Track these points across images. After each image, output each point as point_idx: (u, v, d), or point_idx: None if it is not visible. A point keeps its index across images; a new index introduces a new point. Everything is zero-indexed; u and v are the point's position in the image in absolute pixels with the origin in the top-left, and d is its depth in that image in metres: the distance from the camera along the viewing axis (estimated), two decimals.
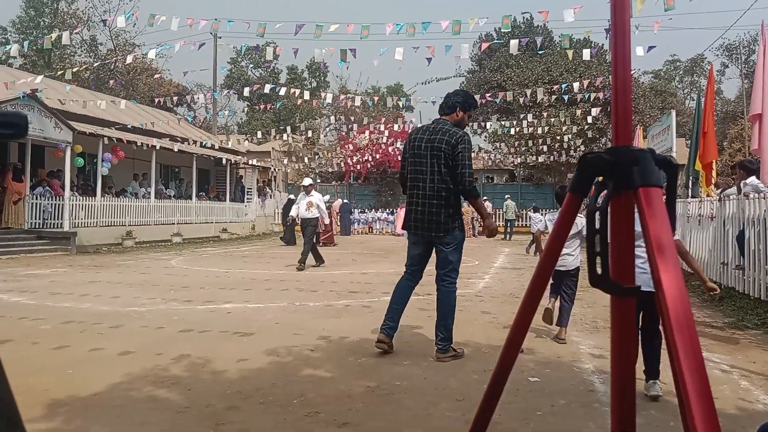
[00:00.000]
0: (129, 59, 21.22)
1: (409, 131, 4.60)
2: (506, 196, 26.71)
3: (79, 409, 3.40)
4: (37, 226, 15.79)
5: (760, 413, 3.45)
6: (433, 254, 4.85)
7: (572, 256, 5.29)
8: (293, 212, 12.70)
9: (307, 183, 12.77)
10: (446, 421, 3.29)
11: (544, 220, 6.80)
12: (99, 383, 3.85)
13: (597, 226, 1.01)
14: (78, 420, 3.21)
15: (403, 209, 23.09)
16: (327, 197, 22.02)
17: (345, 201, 27.78)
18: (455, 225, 4.66)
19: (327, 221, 13.14)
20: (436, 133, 4.63)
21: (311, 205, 12.13)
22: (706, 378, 0.85)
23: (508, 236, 24.20)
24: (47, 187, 16.77)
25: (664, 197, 1.02)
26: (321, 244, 18.36)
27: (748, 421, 3.24)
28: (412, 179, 4.73)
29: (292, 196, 22.32)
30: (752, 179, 7.90)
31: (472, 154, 4.77)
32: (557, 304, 5.41)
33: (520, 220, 28.66)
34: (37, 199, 15.98)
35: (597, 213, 1.01)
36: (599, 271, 1.01)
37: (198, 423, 3.19)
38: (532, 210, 20.35)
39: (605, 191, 1.04)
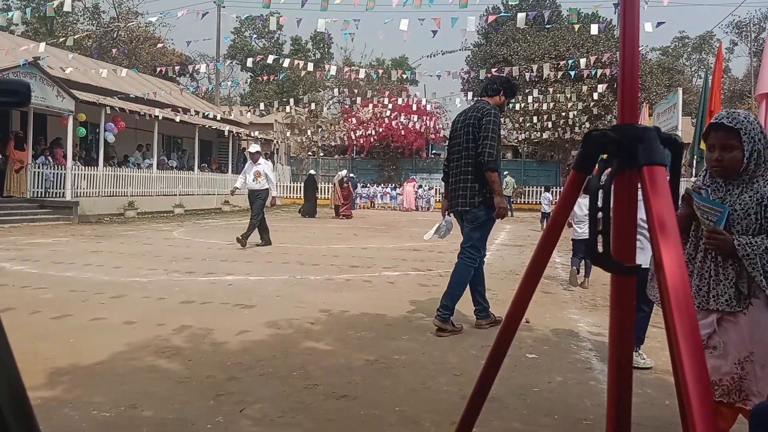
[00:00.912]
0: (131, 27, 20.99)
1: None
2: (505, 173, 26.57)
3: (81, 377, 3.44)
4: (39, 195, 15.80)
5: None
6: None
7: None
8: (238, 182, 11.18)
9: (254, 150, 11.40)
10: (444, 395, 3.32)
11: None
12: (101, 352, 3.89)
13: (600, 204, 1.00)
14: (80, 389, 3.24)
15: (409, 184, 22.95)
16: (344, 172, 22.42)
17: (352, 175, 27.65)
18: (480, 200, 4.66)
19: (274, 193, 11.35)
20: (470, 111, 4.78)
21: (259, 174, 10.77)
22: (703, 358, 0.85)
23: (509, 213, 24.18)
24: (49, 156, 16.75)
25: (669, 176, 1.00)
26: (341, 216, 19.98)
27: None
28: (454, 159, 4.83)
29: (312, 172, 22.80)
30: None
31: None
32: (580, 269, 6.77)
33: (523, 196, 28.58)
34: (39, 168, 15.97)
35: (600, 191, 0.99)
36: (600, 249, 1.00)
37: (198, 393, 3.22)
38: (543, 189, 20.62)
39: (609, 169, 1.02)
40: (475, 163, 4.64)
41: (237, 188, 11.42)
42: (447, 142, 5.01)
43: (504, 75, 5.34)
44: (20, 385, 0.82)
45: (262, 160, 11.10)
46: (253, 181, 10.80)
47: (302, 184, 22.59)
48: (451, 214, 5.09)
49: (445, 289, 4.75)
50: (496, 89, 4.88)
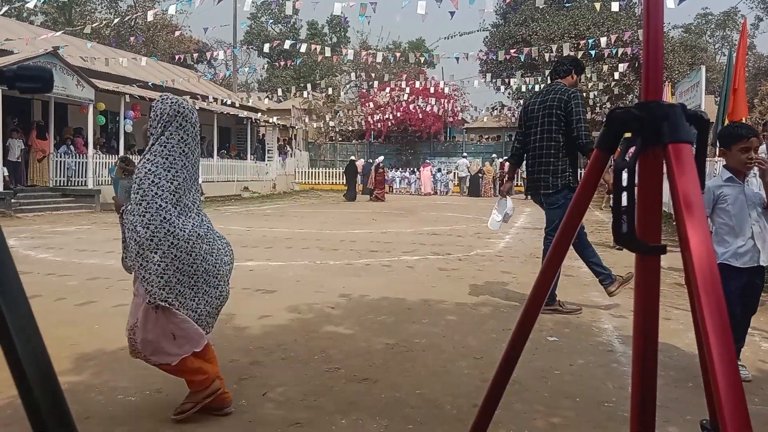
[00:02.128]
0: (149, 16, 21.04)
1: (525, 103, 5.12)
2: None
3: (107, 362, 3.50)
4: (61, 184, 16.03)
5: None
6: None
7: None
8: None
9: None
10: (464, 379, 3.32)
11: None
12: (125, 338, 3.94)
13: (624, 183, 0.98)
14: (105, 373, 3.30)
15: (426, 169, 23.10)
16: (380, 158, 23.32)
17: (370, 161, 27.69)
18: (564, 183, 4.70)
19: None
20: (549, 93, 4.80)
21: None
22: (731, 340, 0.83)
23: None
24: (71, 145, 16.95)
25: (694, 154, 0.98)
26: (375, 198, 21.93)
27: (767, 382, 3.23)
28: (527, 143, 4.89)
29: (353, 158, 23.68)
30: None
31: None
32: None
33: None
34: (61, 157, 16.18)
35: (625, 170, 0.97)
36: (625, 229, 0.98)
37: (222, 377, 3.26)
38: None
39: (634, 147, 1.00)
40: (558, 146, 4.69)
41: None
42: (520, 123, 5.05)
43: (569, 55, 5.37)
44: (50, 367, 0.83)
45: None
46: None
47: (343, 171, 24.20)
48: (508, 198, 5.29)
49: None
50: (568, 69, 4.93)
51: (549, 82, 5.05)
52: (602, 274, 4.84)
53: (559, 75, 4.95)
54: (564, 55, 19.55)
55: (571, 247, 4.06)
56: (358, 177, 23.88)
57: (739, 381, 0.80)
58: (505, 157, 25.69)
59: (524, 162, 5.03)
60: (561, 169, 4.71)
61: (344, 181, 25.31)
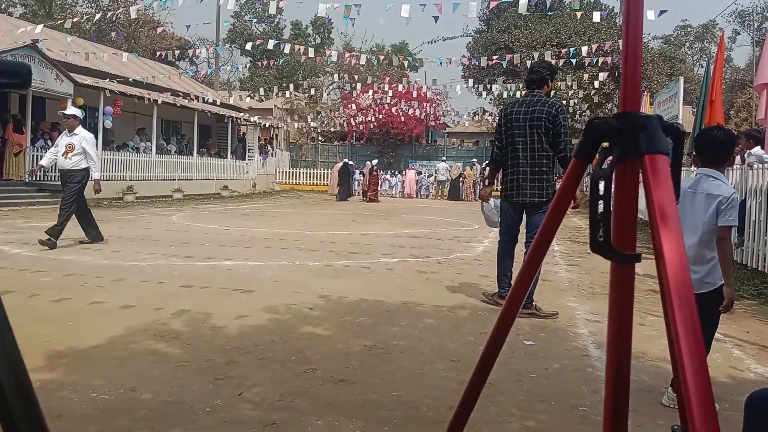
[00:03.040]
0: (133, 13, 20.77)
1: (504, 108, 5.23)
2: None
3: (80, 360, 3.45)
4: (37, 178, 15.75)
5: (750, 381, 3.50)
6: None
7: None
8: (44, 160, 8.69)
9: (69, 113, 8.34)
10: (441, 381, 3.34)
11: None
12: (99, 336, 3.90)
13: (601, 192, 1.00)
14: (79, 371, 3.26)
15: (410, 172, 23.38)
16: (375, 161, 24.05)
17: (349, 162, 27.73)
18: (553, 191, 4.86)
19: (97, 175, 8.43)
20: (534, 105, 4.93)
21: (72, 148, 7.95)
22: (703, 348, 0.85)
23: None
24: (48, 140, 16.68)
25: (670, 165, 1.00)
26: (369, 199, 22.78)
27: (739, 389, 3.29)
28: (513, 149, 4.98)
29: (347, 161, 25.55)
30: (757, 149, 7.85)
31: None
32: None
33: None
34: (38, 151, 15.91)
35: (601, 179, 0.99)
36: (601, 238, 1.00)
37: (197, 377, 3.24)
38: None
39: (611, 157, 1.02)
40: (550, 157, 4.91)
41: (43, 166, 8.88)
42: (499, 130, 5.15)
43: (544, 60, 5.47)
44: (22, 365, 0.83)
45: (80, 129, 8.11)
46: (64, 157, 8.01)
47: (337, 174, 25.07)
48: (491, 200, 5.46)
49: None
50: (544, 79, 5.06)
51: (527, 91, 5.14)
52: (506, 288, 5.06)
53: (538, 86, 5.05)
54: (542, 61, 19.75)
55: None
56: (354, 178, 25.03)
57: (709, 387, 0.82)
58: (486, 162, 25.83)
59: (509, 169, 5.09)
60: (551, 178, 4.96)
61: (326, 182, 26.73)
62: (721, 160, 3.10)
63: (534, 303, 4.89)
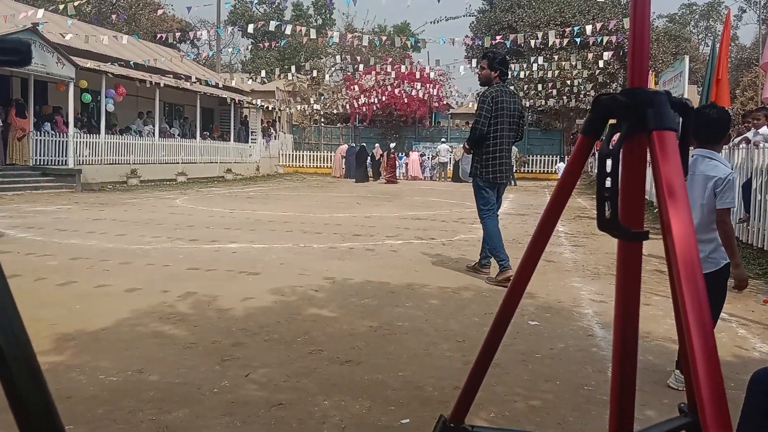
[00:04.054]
0: None
1: (492, 94, 5.39)
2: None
3: (87, 342, 3.48)
4: (41, 163, 15.77)
5: (755, 360, 3.51)
6: None
7: None
8: None
9: None
10: (446, 361, 3.35)
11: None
12: (106, 319, 3.93)
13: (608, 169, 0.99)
14: (86, 354, 3.28)
15: (414, 154, 23.49)
16: (393, 145, 24.75)
17: (353, 144, 27.68)
18: None
19: None
20: (513, 97, 5.55)
21: None
22: (710, 326, 0.85)
23: (512, 182, 24.15)
24: (54, 124, 16.67)
25: (678, 141, 0.99)
26: (387, 181, 23.71)
27: (743, 368, 3.30)
28: (500, 134, 5.41)
29: (363, 144, 26.19)
30: (764, 129, 7.78)
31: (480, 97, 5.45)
32: None
33: (526, 166, 28.43)
34: (41, 135, 15.91)
35: (608, 156, 0.98)
36: (608, 215, 0.99)
37: (204, 358, 3.26)
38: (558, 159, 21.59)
39: (618, 134, 1.01)
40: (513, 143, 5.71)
41: None
42: (488, 113, 5.40)
43: (502, 55, 5.73)
44: (28, 345, 0.83)
45: None
46: None
47: (353, 159, 25.93)
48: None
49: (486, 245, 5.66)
50: (506, 72, 5.63)
51: (500, 82, 5.51)
52: (487, 258, 5.65)
53: (507, 78, 5.66)
54: (547, 41, 19.56)
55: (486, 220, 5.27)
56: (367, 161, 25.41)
57: (718, 365, 0.82)
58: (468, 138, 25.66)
59: (487, 149, 5.43)
60: None
61: (330, 164, 27.27)
62: (716, 140, 3.07)
63: (489, 265, 5.59)
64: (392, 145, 25.80)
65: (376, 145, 26.22)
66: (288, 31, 18.48)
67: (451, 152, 27.10)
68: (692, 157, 3.06)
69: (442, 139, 28.97)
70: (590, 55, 22.72)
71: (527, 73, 23.54)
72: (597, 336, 3.91)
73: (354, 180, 24.17)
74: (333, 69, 40.45)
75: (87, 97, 17.36)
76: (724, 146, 3.62)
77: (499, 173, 5.43)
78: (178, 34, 26.42)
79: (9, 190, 13.56)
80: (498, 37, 20.63)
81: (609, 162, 0.98)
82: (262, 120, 28.22)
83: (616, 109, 1.02)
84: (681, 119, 1.05)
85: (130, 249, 6.67)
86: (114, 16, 26.64)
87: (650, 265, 6.08)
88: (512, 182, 24.02)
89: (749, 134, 8.14)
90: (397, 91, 29.63)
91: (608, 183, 0.98)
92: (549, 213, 1.15)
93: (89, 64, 17.16)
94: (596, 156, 1.06)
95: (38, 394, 0.82)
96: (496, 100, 5.34)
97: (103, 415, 2.54)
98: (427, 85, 29.69)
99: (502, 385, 2.99)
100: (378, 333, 3.82)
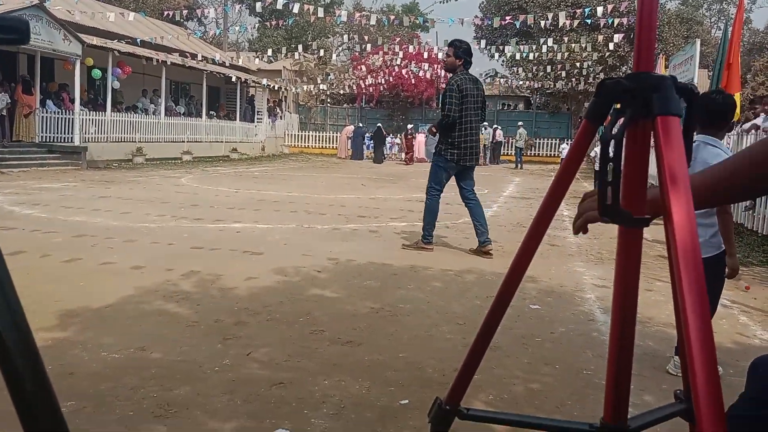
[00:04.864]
0: None
1: (458, 82, 5.78)
2: (519, 124, 26.14)
3: (92, 319, 3.50)
4: (47, 140, 15.78)
5: (755, 347, 3.51)
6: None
7: None
8: None
9: None
10: (447, 343, 3.36)
11: None
12: (110, 296, 3.95)
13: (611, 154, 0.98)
14: (90, 330, 3.31)
15: (420, 135, 23.70)
16: (411, 126, 25.86)
17: (359, 125, 27.60)
18: None
19: None
20: (476, 84, 5.96)
21: None
22: (708, 313, 0.84)
23: (519, 165, 24.06)
24: (61, 101, 16.65)
25: (683, 127, 0.97)
26: (406, 162, 24.00)
27: (743, 355, 3.30)
28: (466, 119, 5.80)
29: (380, 125, 26.62)
30: None
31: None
32: None
33: (533, 149, 28.30)
34: (47, 112, 15.90)
35: (612, 141, 0.97)
36: (609, 201, 0.98)
37: (206, 337, 3.28)
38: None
39: (623, 119, 1.00)
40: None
41: None
42: (457, 100, 5.77)
43: (466, 44, 6.11)
44: (24, 319, 0.83)
45: None
46: None
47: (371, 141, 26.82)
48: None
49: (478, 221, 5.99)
50: (469, 61, 5.99)
51: (464, 71, 5.90)
52: (483, 231, 5.92)
53: (469, 67, 5.97)
54: (557, 22, 19.34)
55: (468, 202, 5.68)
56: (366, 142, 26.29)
57: (713, 352, 0.81)
58: (439, 122, 25.64)
59: (456, 133, 5.79)
60: None
61: (336, 145, 27.68)
62: (719, 126, 3.03)
63: (489, 242, 5.85)
64: (409, 126, 26.27)
65: (378, 125, 26.64)
66: (296, 10, 18.35)
67: None
68: (694, 143, 3.03)
69: None
70: (600, 38, 22.49)
71: (536, 54, 23.31)
72: (598, 321, 3.91)
73: (373, 161, 24.94)
74: (340, 48, 40.19)
75: (97, 73, 17.30)
76: (731, 133, 3.59)
77: (467, 155, 5.85)
78: (185, 12, 26.28)
79: (15, 167, 13.60)
80: (508, 18, 20.42)
81: (612, 146, 0.97)
82: (268, 99, 28.11)
83: (620, 94, 1.00)
84: (686, 105, 1.04)
85: (135, 227, 6.69)
86: None
87: (654, 250, 6.07)
88: (518, 165, 23.99)
89: (758, 120, 8.06)
90: (404, 71, 29.41)
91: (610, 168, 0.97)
92: (551, 196, 1.14)
93: (95, 41, 17.08)
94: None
95: (35, 376, 0.82)
96: (461, 88, 5.75)
97: (106, 392, 2.56)
98: (435, 65, 29.46)
99: (502, 368, 3.00)
100: (380, 314, 3.84)
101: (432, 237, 6.01)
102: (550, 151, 28.42)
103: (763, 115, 8.09)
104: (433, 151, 6.19)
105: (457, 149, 5.80)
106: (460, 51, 5.86)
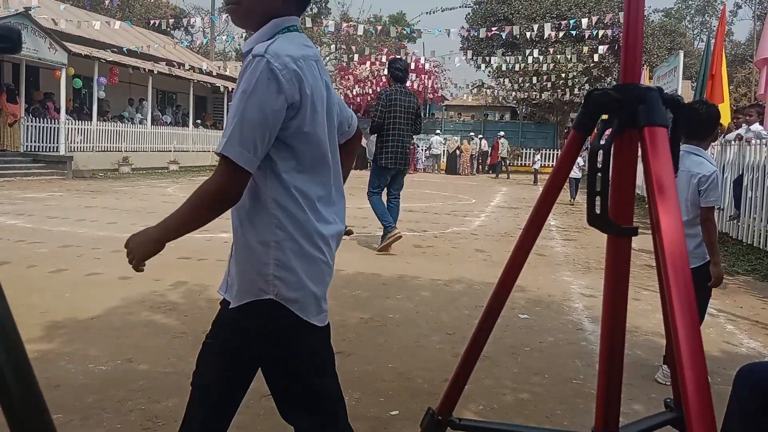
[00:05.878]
0: None
1: (387, 93, 6.49)
2: (500, 134, 26.23)
3: (78, 331, 3.47)
4: (32, 149, 15.64)
5: (742, 356, 3.54)
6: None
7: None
8: None
9: None
10: (436, 353, 3.36)
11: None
12: (97, 307, 3.91)
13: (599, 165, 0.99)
14: (76, 342, 3.27)
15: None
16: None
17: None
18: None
19: None
20: (409, 96, 6.55)
21: None
22: (697, 321, 0.85)
23: (498, 174, 24.31)
24: (46, 110, 16.52)
25: (669, 137, 0.99)
26: (412, 171, 24.13)
27: (730, 363, 3.33)
28: (393, 127, 6.33)
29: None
30: (756, 126, 7.83)
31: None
32: None
33: (520, 158, 28.48)
34: (32, 121, 15.77)
35: (600, 152, 0.98)
36: (598, 210, 1.00)
37: (194, 348, 3.23)
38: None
39: (610, 129, 1.01)
40: (411, 136, 6.67)
41: None
42: (384, 108, 6.34)
43: (404, 60, 7.29)
44: (17, 337, 0.82)
45: None
46: None
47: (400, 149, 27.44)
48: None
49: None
50: (405, 77, 6.69)
51: (397, 84, 6.48)
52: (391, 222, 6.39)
53: (403, 82, 6.56)
54: (543, 33, 19.52)
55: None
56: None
57: (703, 360, 0.82)
58: (372, 127, 25.81)
59: (384, 139, 6.33)
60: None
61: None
62: (703, 136, 3.07)
63: (390, 227, 6.27)
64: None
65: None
66: None
67: (444, 144, 27.10)
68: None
69: (436, 131, 28.88)
70: (585, 49, 22.72)
71: (522, 65, 23.50)
72: (586, 330, 3.93)
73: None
74: (328, 58, 40.28)
75: (78, 83, 17.19)
76: (714, 143, 3.65)
77: (391, 161, 6.34)
78: (171, 21, 26.22)
79: (0, 177, 13.45)
80: (494, 29, 20.60)
81: (600, 157, 0.98)
82: None
83: (607, 105, 1.02)
84: (672, 116, 1.06)
85: (121, 237, 6.57)
86: (107, 1, 26.36)
87: (640, 259, 6.11)
88: (506, 175, 24.14)
89: (741, 131, 8.18)
90: None
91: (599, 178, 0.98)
92: (540, 207, 1.15)
93: (82, 50, 16.99)
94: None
95: (26, 387, 0.82)
96: (390, 98, 6.34)
97: (92, 404, 2.53)
98: (422, 76, 29.62)
99: (492, 378, 3.01)
100: (369, 324, 3.83)
101: (391, 222, 6.39)
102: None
103: (745, 125, 8.21)
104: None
105: (383, 155, 6.35)
106: (392, 68, 6.65)
